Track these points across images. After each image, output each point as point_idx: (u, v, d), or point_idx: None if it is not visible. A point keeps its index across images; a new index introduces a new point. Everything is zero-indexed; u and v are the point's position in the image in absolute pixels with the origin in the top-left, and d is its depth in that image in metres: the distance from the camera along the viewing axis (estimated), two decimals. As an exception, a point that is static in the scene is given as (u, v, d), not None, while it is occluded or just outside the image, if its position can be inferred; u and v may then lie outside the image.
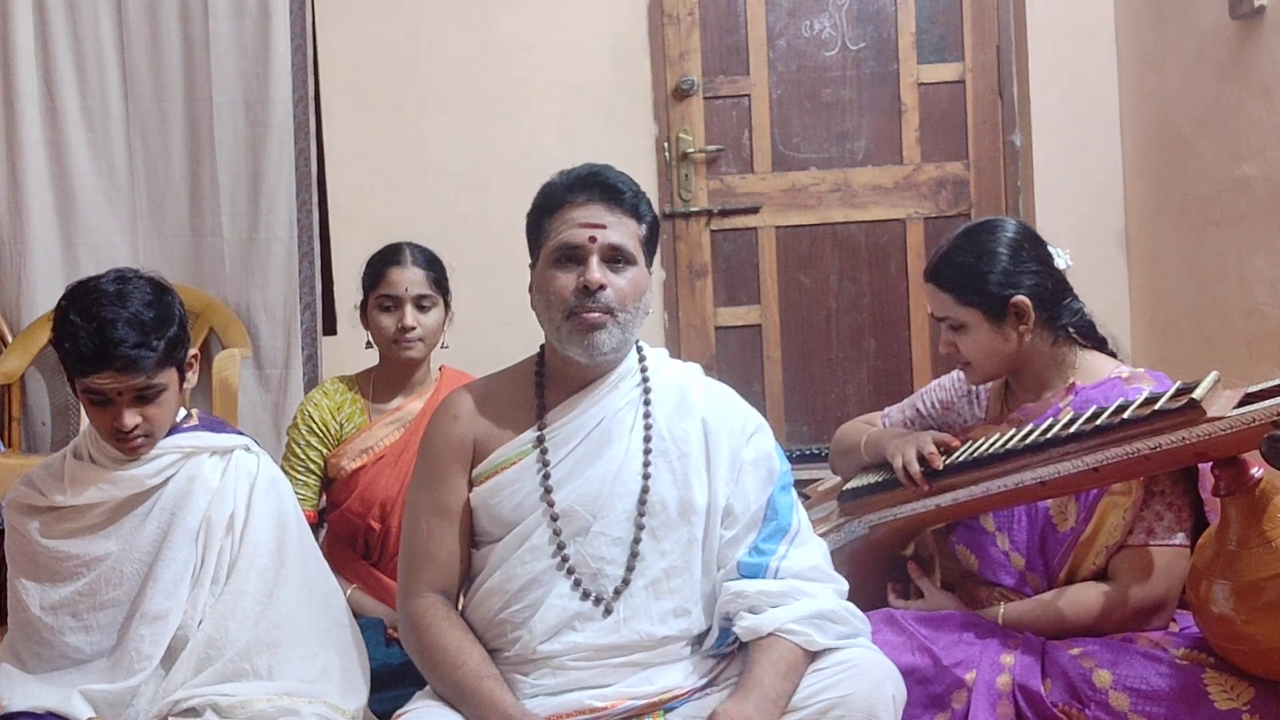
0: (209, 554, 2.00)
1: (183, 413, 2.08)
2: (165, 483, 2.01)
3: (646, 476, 1.88)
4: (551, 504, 1.87)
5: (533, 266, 1.94)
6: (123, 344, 1.87)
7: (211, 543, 2.00)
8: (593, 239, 1.85)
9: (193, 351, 2.03)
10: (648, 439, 1.91)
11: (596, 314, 1.84)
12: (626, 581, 1.85)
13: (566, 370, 1.93)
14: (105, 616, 1.98)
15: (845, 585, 1.91)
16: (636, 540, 1.86)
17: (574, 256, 1.86)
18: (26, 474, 2.06)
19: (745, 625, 1.81)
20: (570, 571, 1.85)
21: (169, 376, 1.96)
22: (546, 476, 1.88)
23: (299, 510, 2.13)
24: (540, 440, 1.90)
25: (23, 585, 2.00)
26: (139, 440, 1.95)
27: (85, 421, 2.06)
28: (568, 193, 1.88)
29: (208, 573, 1.99)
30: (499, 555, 1.89)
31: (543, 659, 1.83)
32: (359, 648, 2.08)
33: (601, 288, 1.83)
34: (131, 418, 1.92)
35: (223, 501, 2.02)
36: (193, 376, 2.04)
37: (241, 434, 2.14)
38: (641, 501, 1.87)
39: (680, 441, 1.91)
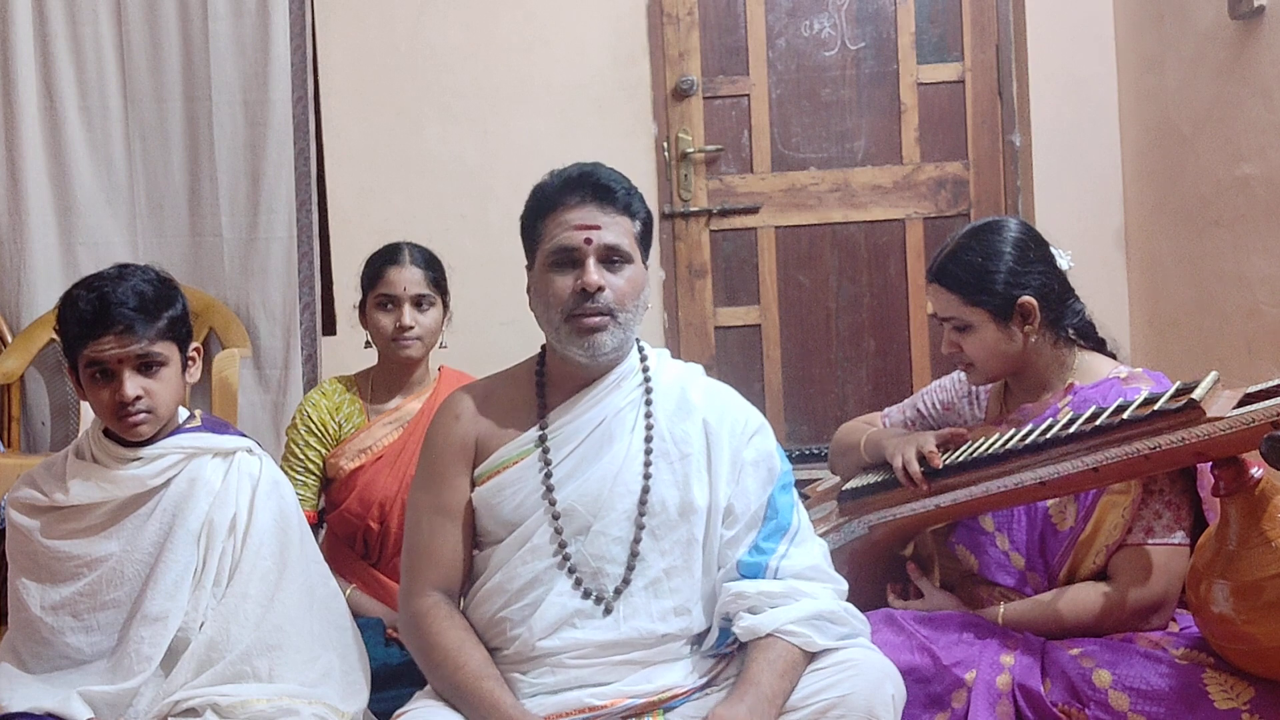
0: (210, 556, 2.00)
1: (185, 413, 2.08)
2: (167, 484, 2.01)
3: (647, 477, 1.89)
4: (553, 503, 1.87)
5: (529, 269, 1.94)
6: (123, 305, 1.91)
7: (213, 545, 2.00)
8: (588, 240, 1.84)
9: (195, 344, 2.04)
10: (649, 439, 1.91)
11: (596, 316, 1.84)
12: (627, 581, 1.86)
13: (567, 370, 1.93)
14: (106, 617, 1.98)
15: (845, 585, 1.91)
16: (636, 540, 1.86)
17: (570, 259, 1.85)
18: (28, 473, 2.06)
19: (744, 625, 1.81)
20: (571, 570, 1.86)
21: (169, 350, 1.97)
22: (548, 476, 1.88)
23: (300, 512, 2.13)
24: (542, 440, 1.90)
25: (23, 585, 1.99)
26: (141, 415, 1.95)
27: (86, 421, 2.06)
28: (560, 194, 1.88)
29: (209, 575, 1.99)
30: (500, 556, 1.89)
31: (542, 656, 1.83)
32: (359, 650, 2.08)
33: (600, 289, 1.83)
34: (133, 387, 1.93)
35: (225, 504, 2.02)
36: (195, 371, 2.05)
37: (244, 435, 2.14)
38: (642, 501, 1.88)
39: (681, 442, 1.91)
